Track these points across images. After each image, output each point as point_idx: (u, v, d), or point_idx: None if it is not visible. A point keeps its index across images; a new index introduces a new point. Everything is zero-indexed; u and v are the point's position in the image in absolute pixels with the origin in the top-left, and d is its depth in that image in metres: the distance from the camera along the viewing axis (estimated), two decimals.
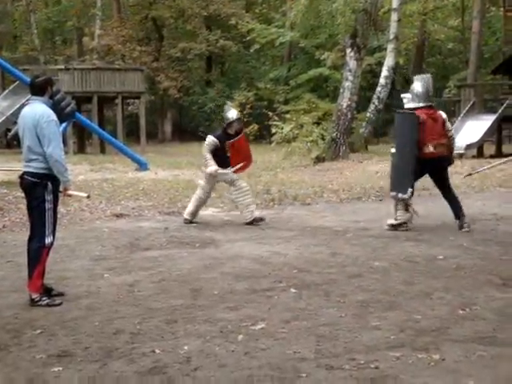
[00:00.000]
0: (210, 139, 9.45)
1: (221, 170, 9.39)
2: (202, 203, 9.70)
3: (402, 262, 6.86)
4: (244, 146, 9.70)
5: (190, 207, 9.64)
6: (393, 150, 8.93)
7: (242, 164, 9.55)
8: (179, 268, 6.69)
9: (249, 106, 36.55)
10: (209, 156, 9.41)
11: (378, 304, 5.27)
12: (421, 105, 8.72)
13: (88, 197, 6.46)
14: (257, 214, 9.52)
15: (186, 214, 9.62)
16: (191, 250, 7.61)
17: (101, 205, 11.35)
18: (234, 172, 9.53)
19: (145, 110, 30.08)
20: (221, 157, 9.38)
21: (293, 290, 5.74)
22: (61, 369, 4.00)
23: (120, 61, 36.42)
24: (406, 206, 8.79)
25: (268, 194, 12.48)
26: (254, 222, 9.35)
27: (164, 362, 4.08)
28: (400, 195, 8.65)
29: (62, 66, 28.68)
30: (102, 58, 36.68)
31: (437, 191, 13.29)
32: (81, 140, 29.70)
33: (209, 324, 4.82)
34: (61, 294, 5.66)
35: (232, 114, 9.61)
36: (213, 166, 9.36)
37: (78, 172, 17.33)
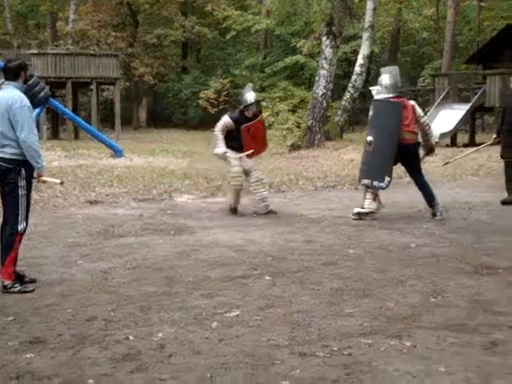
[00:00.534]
0: (226, 119, 9.04)
1: (230, 153, 8.99)
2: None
3: (376, 249, 6.90)
4: (261, 131, 9.33)
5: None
6: (369, 138, 8.84)
7: (252, 150, 9.13)
8: (154, 255, 6.68)
9: (224, 93, 36.48)
10: (220, 136, 8.99)
11: (351, 292, 5.31)
12: (390, 95, 8.73)
13: (61, 183, 6.42)
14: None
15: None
16: (166, 237, 7.60)
17: (75, 191, 11.28)
18: (247, 157, 9.12)
19: (120, 96, 29.88)
20: (237, 140, 9.03)
21: (267, 278, 5.75)
22: (33, 356, 3.98)
23: (95, 46, 36.11)
24: (375, 195, 8.79)
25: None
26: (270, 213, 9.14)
27: (138, 348, 4.08)
28: (376, 183, 8.64)
29: (36, 51, 28.37)
30: (76, 43, 36.33)
31: (411, 179, 13.39)
32: (54, 126, 29.45)
33: (183, 311, 4.82)
34: (33, 281, 5.62)
35: (250, 96, 9.15)
36: (220, 148, 8.95)
37: (52, 158, 17.19)
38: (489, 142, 10.68)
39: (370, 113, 9.01)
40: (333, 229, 8.06)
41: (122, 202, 10.37)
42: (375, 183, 8.65)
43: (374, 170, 8.70)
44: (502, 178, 10.61)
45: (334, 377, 3.63)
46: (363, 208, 8.78)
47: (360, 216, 8.71)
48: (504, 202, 9.92)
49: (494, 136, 10.56)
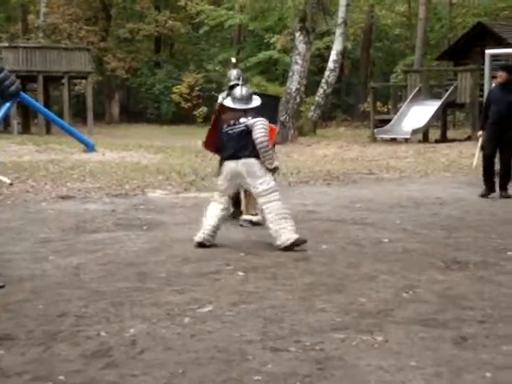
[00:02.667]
0: (267, 123, 7.00)
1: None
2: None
3: (349, 245, 6.93)
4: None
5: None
6: None
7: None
8: (126, 251, 6.65)
9: (197, 88, 36.41)
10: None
11: (324, 287, 5.33)
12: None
13: (10, 184, 6.33)
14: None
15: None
16: (139, 233, 7.57)
17: (46, 186, 11.19)
18: None
19: (92, 90, 29.67)
20: None
21: (240, 273, 5.75)
22: (3, 352, 3.94)
23: (66, 40, 35.82)
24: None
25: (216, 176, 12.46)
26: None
27: (109, 344, 4.06)
28: None
29: (6, 44, 28.07)
30: (47, 36, 36.01)
31: (383, 175, 13.49)
32: (26, 120, 29.16)
33: (155, 307, 4.80)
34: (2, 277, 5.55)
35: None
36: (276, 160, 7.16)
37: (23, 153, 17.05)
38: (480, 140, 10.66)
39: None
40: (306, 224, 8.08)
41: (94, 198, 10.30)
42: None
43: None
44: (473, 173, 10.74)
45: (306, 372, 3.64)
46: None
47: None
48: (482, 195, 10.20)
49: (480, 133, 10.60)
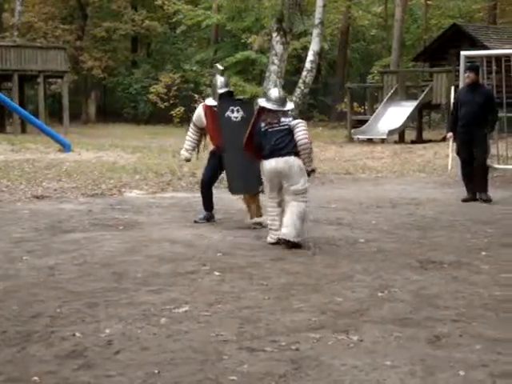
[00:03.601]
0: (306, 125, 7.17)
1: None
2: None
3: (325, 245, 6.96)
4: None
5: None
6: None
7: None
8: (102, 251, 6.61)
9: (175, 88, 36.30)
10: None
11: (300, 287, 5.34)
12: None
13: None
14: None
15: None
16: (115, 233, 7.54)
17: (21, 186, 11.10)
18: None
19: (68, 89, 29.48)
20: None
21: (217, 273, 5.75)
22: None
23: (42, 39, 35.56)
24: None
25: (193, 176, 12.45)
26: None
27: (84, 345, 4.04)
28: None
29: None
30: (22, 35, 35.69)
31: (360, 175, 13.55)
32: (0, 119, 28.89)
33: (131, 307, 4.79)
34: None
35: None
36: None
37: None
38: (451, 140, 10.63)
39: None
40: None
41: (70, 197, 10.24)
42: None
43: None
44: (448, 174, 10.81)
45: (282, 371, 3.65)
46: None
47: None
48: (464, 200, 9.96)
49: (449, 134, 10.50)
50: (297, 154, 6.94)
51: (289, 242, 6.73)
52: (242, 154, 7.44)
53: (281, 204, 7.08)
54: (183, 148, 8.56)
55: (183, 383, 3.52)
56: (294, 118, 7.16)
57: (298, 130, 6.91)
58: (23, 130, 26.89)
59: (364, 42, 42.54)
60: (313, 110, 37.65)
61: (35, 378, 3.57)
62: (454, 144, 10.56)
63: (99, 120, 38.38)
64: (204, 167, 8.45)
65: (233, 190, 8.03)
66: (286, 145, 6.91)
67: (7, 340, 4.13)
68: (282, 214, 7.02)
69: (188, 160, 8.64)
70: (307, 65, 25.21)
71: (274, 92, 7.23)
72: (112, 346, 4.03)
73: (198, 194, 9.32)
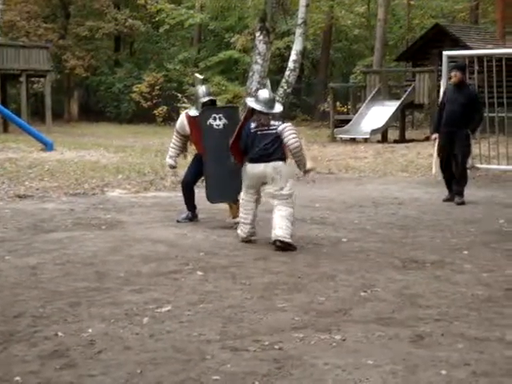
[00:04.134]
0: (295, 128, 7.27)
1: None
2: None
3: (308, 244, 6.97)
4: None
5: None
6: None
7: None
8: (84, 250, 6.59)
9: (158, 88, 36.21)
10: None
11: (283, 286, 5.35)
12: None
13: None
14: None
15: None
16: (97, 232, 7.51)
17: (3, 185, 11.03)
18: None
19: (51, 88, 29.31)
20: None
21: (199, 273, 5.75)
22: None
23: (24, 37, 35.32)
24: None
25: (176, 176, 12.42)
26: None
27: (67, 345, 4.03)
28: None
29: None
30: (4, 34, 35.45)
31: (342, 175, 13.58)
32: None
33: (114, 307, 4.78)
34: None
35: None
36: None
37: None
38: (436, 141, 10.47)
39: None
40: (265, 223, 8.09)
41: (52, 197, 10.19)
42: None
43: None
44: (430, 174, 10.84)
45: (265, 371, 3.66)
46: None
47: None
48: (446, 200, 9.96)
49: (434, 136, 10.28)
50: (285, 160, 6.94)
51: (283, 242, 6.68)
52: (222, 162, 7.42)
53: (257, 201, 7.11)
54: (168, 156, 8.50)
55: (166, 383, 3.52)
56: (283, 121, 7.12)
57: (287, 133, 6.87)
58: (5, 129, 26.68)
59: (347, 41, 42.60)
60: (296, 109, 37.68)
61: (17, 378, 3.56)
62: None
63: (82, 119, 38.20)
64: (187, 168, 8.43)
65: (210, 198, 7.97)
66: (275, 150, 6.88)
67: None
68: (256, 210, 7.08)
69: (173, 167, 8.60)
70: (290, 64, 25.25)
71: (264, 93, 7.14)
72: (94, 345, 4.03)
73: (181, 194, 9.30)
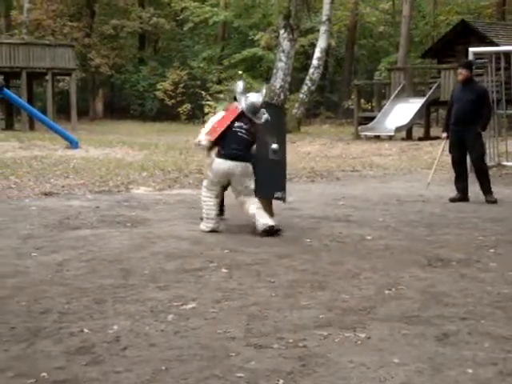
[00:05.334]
0: None
1: None
2: None
3: (332, 242, 6.95)
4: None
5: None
6: (275, 146, 7.66)
7: None
8: (110, 247, 6.63)
9: (182, 85, 36.33)
10: None
11: (307, 284, 5.34)
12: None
13: None
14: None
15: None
16: (122, 230, 7.55)
17: (29, 182, 11.13)
18: None
19: (76, 87, 29.54)
20: None
21: (224, 270, 5.76)
22: None
23: (50, 36, 35.61)
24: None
25: (200, 173, 12.46)
26: None
27: (92, 341, 4.05)
28: (284, 195, 7.91)
29: None
30: (31, 32, 35.78)
31: (367, 172, 13.53)
32: (9, 116, 28.97)
33: (139, 304, 4.80)
34: None
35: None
36: None
37: (6, 149, 16.95)
38: (443, 142, 10.40)
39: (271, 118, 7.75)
40: (289, 221, 8.09)
41: (77, 194, 10.26)
42: (284, 194, 7.91)
43: (282, 181, 7.92)
44: (427, 187, 10.78)
45: (289, 368, 3.65)
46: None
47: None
48: (452, 200, 9.78)
49: (444, 135, 10.21)
50: (251, 159, 7.38)
51: (273, 227, 7.18)
52: (265, 158, 7.61)
53: (218, 196, 7.52)
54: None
55: (190, 380, 3.53)
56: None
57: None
58: (31, 127, 26.94)
59: (371, 38, 42.44)
60: (320, 106, 37.62)
61: (44, 373, 3.59)
62: (447, 144, 10.18)
63: (106, 117, 38.47)
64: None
65: (262, 193, 7.66)
66: (247, 150, 7.38)
67: (16, 336, 4.15)
68: (218, 204, 7.52)
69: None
70: (314, 62, 25.24)
71: (252, 97, 7.44)
72: (120, 342, 4.05)
73: None
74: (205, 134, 7.68)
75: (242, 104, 7.36)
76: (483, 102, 9.79)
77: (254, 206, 7.32)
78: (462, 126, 9.71)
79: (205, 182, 7.66)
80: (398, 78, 23.61)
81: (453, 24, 29.74)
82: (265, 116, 7.43)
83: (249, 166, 7.36)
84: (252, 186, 7.40)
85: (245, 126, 7.39)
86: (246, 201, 7.38)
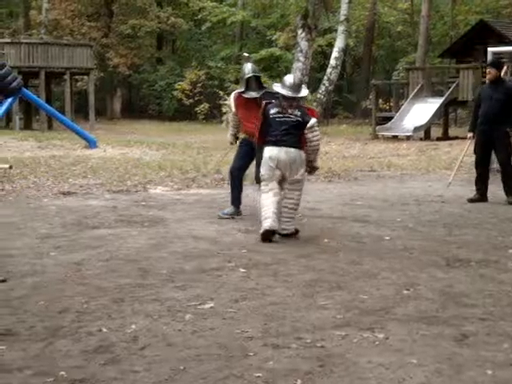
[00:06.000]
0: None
1: None
2: None
3: (350, 242, 6.94)
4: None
5: None
6: None
7: None
8: (127, 247, 6.65)
9: (199, 85, 36.39)
10: None
11: (325, 284, 5.33)
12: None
13: (10, 167, 6.36)
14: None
15: None
16: (140, 229, 7.57)
17: (48, 182, 11.20)
18: None
19: (94, 86, 29.67)
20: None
21: (242, 270, 5.76)
22: (4, 348, 3.95)
23: (68, 36, 35.80)
24: None
25: (218, 173, 12.47)
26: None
27: (111, 340, 4.06)
28: None
29: (8, 40, 28.06)
30: (49, 32, 35.99)
31: (385, 172, 13.48)
32: (28, 116, 29.17)
33: (157, 303, 4.81)
34: (3, 281, 5.50)
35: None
36: None
37: (25, 148, 17.07)
38: (468, 142, 10.33)
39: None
40: (307, 221, 8.08)
41: (95, 194, 10.31)
42: None
43: None
44: (448, 187, 10.72)
45: (307, 368, 3.64)
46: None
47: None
48: (471, 200, 9.69)
49: (470, 135, 10.11)
50: (301, 148, 7.09)
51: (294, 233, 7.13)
52: None
53: (276, 194, 7.08)
54: (228, 134, 8.70)
55: (209, 379, 3.53)
56: (307, 112, 7.21)
57: (314, 132, 7.06)
58: (50, 127, 27.12)
59: (389, 38, 42.30)
60: (337, 106, 37.55)
61: (62, 372, 3.60)
62: (472, 144, 10.08)
63: (124, 117, 38.61)
64: (235, 154, 8.43)
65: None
66: (295, 137, 7.03)
67: (35, 335, 4.17)
68: (278, 202, 7.06)
69: (231, 143, 8.67)
70: (332, 61, 25.20)
71: (289, 78, 7.31)
72: (138, 341, 4.05)
73: (223, 191, 9.35)
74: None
75: (279, 89, 7.12)
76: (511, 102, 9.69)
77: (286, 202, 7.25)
78: (490, 125, 9.61)
79: None
80: (416, 78, 23.52)
81: (471, 24, 29.60)
82: (305, 90, 7.41)
83: (299, 152, 7.16)
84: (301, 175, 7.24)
85: (277, 110, 7.22)
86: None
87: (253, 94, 8.07)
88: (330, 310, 4.65)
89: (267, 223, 6.86)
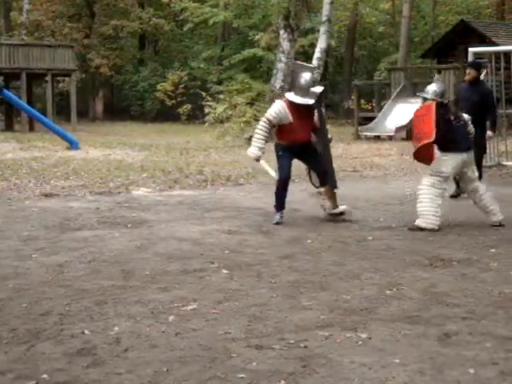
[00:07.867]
0: None
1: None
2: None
3: (334, 242, 6.95)
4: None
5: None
6: (330, 136, 8.64)
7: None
8: (110, 249, 6.62)
9: (182, 86, 36.32)
10: None
11: (308, 284, 5.34)
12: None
13: None
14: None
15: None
16: (123, 231, 7.54)
17: (29, 184, 11.13)
18: None
19: (76, 87, 29.53)
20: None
21: (225, 271, 5.75)
22: None
23: (50, 37, 35.62)
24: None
25: (201, 174, 12.46)
26: None
27: (93, 343, 4.05)
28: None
29: None
30: (30, 33, 35.79)
31: (367, 173, 13.52)
32: (9, 117, 28.96)
33: (140, 305, 4.79)
34: None
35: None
36: None
37: (6, 150, 16.96)
38: None
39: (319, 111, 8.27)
40: (291, 222, 8.09)
41: (78, 195, 10.26)
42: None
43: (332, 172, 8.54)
44: None
45: (291, 369, 3.65)
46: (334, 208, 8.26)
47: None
48: (453, 196, 9.83)
49: None
50: None
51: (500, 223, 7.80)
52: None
53: (443, 196, 7.81)
54: (253, 146, 8.02)
55: (192, 381, 3.53)
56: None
57: (470, 123, 7.95)
58: (31, 128, 26.94)
59: (371, 38, 42.44)
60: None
61: (44, 375, 3.58)
62: None
63: (107, 118, 38.45)
64: (278, 163, 8.18)
65: (334, 183, 8.34)
66: (468, 138, 7.83)
67: (17, 338, 4.14)
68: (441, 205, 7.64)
69: (258, 160, 8.13)
70: (314, 62, 25.18)
71: (432, 86, 8.26)
72: (121, 343, 4.04)
73: (205, 192, 9.34)
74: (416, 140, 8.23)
75: (428, 95, 8.16)
76: (487, 103, 9.82)
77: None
78: None
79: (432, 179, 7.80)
80: (397, 78, 23.63)
81: (452, 24, 29.76)
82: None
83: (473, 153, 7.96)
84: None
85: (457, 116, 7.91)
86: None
87: (309, 101, 7.86)
88: (313, 311, 4.66)
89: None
